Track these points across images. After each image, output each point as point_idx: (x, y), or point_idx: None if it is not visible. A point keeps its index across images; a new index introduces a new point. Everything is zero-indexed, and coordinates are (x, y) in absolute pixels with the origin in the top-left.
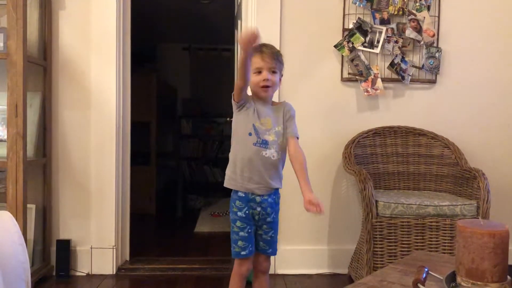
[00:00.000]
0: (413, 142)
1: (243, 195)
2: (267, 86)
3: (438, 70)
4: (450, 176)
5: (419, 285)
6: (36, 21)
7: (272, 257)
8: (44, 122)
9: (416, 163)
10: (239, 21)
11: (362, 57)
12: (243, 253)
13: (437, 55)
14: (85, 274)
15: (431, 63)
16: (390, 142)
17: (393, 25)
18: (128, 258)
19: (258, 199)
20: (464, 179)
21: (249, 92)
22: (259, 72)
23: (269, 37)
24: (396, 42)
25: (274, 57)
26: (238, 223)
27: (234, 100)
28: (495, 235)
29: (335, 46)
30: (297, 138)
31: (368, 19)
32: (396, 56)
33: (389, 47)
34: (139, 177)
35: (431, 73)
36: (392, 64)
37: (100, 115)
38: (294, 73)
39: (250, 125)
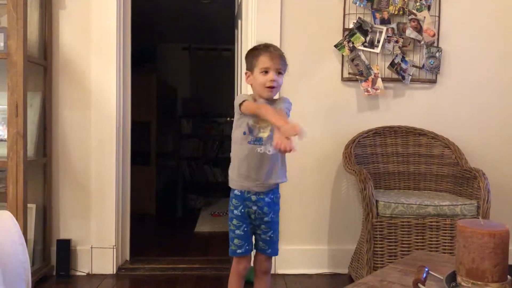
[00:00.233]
0: (414, 142)
1: (239, 194)
2: (272, 87)
3: (439, 70)
4: (451, 176)
5: (420, 285)
6: (36, 21)
7: (272, 257)
8: (45, 122)
9: (417, 163)
10: (239, 21)
11: (363, 57)
12: (239, 251)
13: (437, 55)
14: (85, 274)
15: (432, 63)
16: (391, 142)
17: (394, 25)
18: (128, 258)
19: (253, 197)
20: (465, 179)
21: (250, 91)
22: (265, 72)
23: (269, 37)
24: (397, 42)
25: (281, 58)
26: (234, 221)
27: (240, 109)
28: (496, 235)
29: (336, 46)
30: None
31: (368, 19)
32: (397, 56)
33: (390, 47)
34: (139, 177)
35: (432, 73)
36: (392, 64)
37: (100, 115)
38: (294, 72)
39: (244, 123)
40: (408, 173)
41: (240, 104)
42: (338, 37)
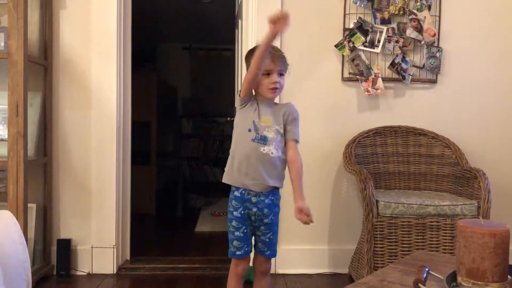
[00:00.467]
0: (414, 142)
1: (239, 195)
2: (275, 89)
3: (439, 70)
4: (451, 176)
5: (420, 285)
6: (36, 21)
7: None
8: (45, 122)
9: (417, 163)
10: (239, 21)
11: (363, 56)
12: (238, 253)
13: (437, 55)
14: (85, 274)
15: (432, 62)
16: (391, 142)
17: (394, 25)
18: (128, 258)
19: (254, 199)
20: (465, 179)
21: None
22: (268, 74)
23: None
24: (397, 41)
25: (282, 59)
26: (234, 223)
27: (240, 95)
28: (496, 235)
29: (336, 46)
30: (297, 142)
31: (369, 18)
32: (397, 55)
33: (390, 46)
34: (140, 177)
35: (432, 73)
36: (392, 64)
37: (101, 115)
38: (294, 72)
39: (250, 121)
40: (409, 173)
41: (239, 90)
42: (339, 37)
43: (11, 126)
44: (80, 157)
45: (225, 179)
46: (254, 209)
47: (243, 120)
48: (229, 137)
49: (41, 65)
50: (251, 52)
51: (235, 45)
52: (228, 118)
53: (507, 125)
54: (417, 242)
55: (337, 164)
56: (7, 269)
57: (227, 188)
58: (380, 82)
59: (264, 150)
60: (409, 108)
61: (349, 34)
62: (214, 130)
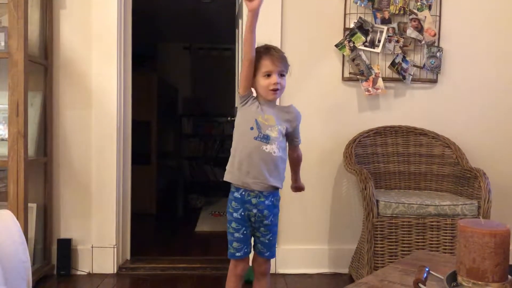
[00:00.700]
0: (414, 141)
1: (239, 196)
2: (276, 90)
3: (439, 70)
4: (451, 176)
5: (420, 284)
6: (37, 21)
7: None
8: (45, 121)
9: (417, 163)
10: (240, 20)
11: (363, 56)
12: (237, 254)
13: (438, 54)
14: (86, 273)
15: (432, 62)
16: (391, 142)
17: (394, 25)
18: (128, 257)
19: (254, 200)
20: (465, 178)
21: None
22: (268, 75)
23: (270, 36)
24: (397, 41)
25: (283, 60)
26: (234, 224)
27: (240, 92)
28: (496, 235)
29: (336, 46)
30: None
31: (369, 18)
32: (397, 55)
33: (390, 46)
34: (140, 177)
35: (432, 73)
36: (393, 64)
37: (101, 115)
38: (295, 72)
39: (252, 119)
40: (409, 173)
41: (238, 88)
42: (339, 36)
43: (11, 125)
44: (81, 157)
45: (226, 178)
46: (254, 211)
47: (245, 119)
48: (230, 137)
49: (42, 65)
50: None
51: (235, 45)
52: (229, 118)
53: (507, 125)
54: (418, 242)
55: (337, 164)
56: (7, 269)
57: (228, 188)
58: (380, 82)
59: (266, 148)
60: (410, 108)
61: (350, 34)
62: (215, 130)
